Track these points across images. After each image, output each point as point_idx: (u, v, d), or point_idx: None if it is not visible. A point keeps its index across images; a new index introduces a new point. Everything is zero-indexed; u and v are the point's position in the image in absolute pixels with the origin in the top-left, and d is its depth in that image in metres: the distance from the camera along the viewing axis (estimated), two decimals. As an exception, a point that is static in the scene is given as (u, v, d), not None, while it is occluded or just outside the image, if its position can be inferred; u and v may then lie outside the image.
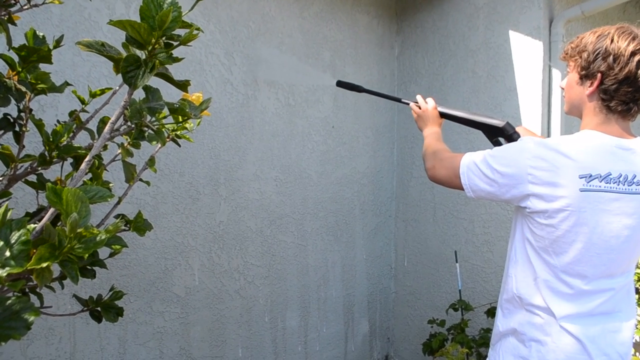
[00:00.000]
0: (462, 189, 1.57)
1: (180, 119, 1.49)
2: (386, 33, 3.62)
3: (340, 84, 2.27)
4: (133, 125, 1.00)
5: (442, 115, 1.98)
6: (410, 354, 3.68)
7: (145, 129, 1.01)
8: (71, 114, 1.44)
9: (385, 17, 3.58)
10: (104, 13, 2.30)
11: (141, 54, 0.86)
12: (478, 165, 1.51)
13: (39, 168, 1.16)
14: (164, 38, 0.85)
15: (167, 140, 1.50)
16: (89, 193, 0.88)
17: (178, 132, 1.50)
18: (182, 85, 1.01)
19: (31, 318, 0.79)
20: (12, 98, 1.36)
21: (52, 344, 2.13)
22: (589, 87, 1.43)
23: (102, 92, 1.38)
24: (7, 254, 0.75)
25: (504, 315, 1.58)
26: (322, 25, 3.17)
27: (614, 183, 1.36)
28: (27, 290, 1.46)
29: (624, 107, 1.40)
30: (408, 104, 2.07)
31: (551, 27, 3.01)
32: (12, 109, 1.46)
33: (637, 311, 1.78)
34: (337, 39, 3.27)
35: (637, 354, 2.62)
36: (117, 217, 1.45)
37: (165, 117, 1.06)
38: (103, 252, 1.54)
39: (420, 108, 2.00)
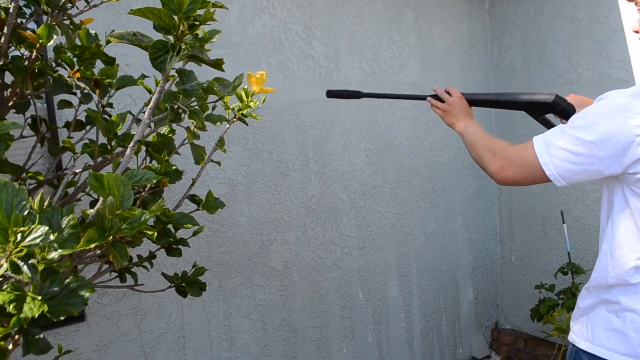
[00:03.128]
0: (546, 181, 1.32)
1: (245, 98, 1.52)
2: (474, -14, 3.43)
3: (331, 94, 1.90)
4: (168, 110, 1.04)
5: (472, 103, 1.67)
6: (521, 320, 3.54)
7: (181, 111, 1.05)
8: (144, 106, 1.53)
9: (471, -31, 3.39)
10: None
11: (170, 40, 0.89)
12: (562, 146, 1.27)
13: (107, 157, 1.25)
14: (190, 20, 0.87)
15: (234, 120, 1.54)
16: (134, 177, 0.93)
17: (244, 112, 1.53)
18: (216, 65, 1.03)
19: (87, 294, 0.85)
20: (92, 94, 1.48)
21: (162, 318, 2.31)
22: None
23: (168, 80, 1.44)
24: (58, 237, 0.82)
25: (590, 292, 1.42)
26: (403, -14, 3.06)
27: None
28: (122, 272, 1.59)
29: None
30: (425, 98, 1.74)
31: (660, -46, 2.67)
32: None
33: None
34: (420, -2, 3.15)
35: None
36: (190, 197, 1.53)
37: (201, 98, 1.09)
38: (186, 233, 1.63)
39: (442, 102, 1.68)
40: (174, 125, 1.42)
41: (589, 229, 3.07)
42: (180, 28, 0.86)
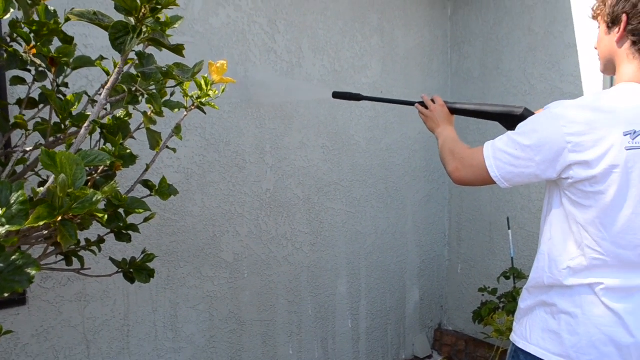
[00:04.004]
0: (493, 183, 1.42)
1: (204, 87, 1.52)
2: (437, -7, 3.50)
3: (337, 95, 2.14)
4: (125, 91, 1.03)
5: (453, 111, 1.84)
6: (463, 322, 3.64)
7: (138, 94, 1.04)
8: (101, 87, 1.50)
9: (436, -24, 3.46)
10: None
11: (132, 21, 0.88)
12: (505, 150, 1.37)
13: (60, 136, 1.22)
14: (153, 3, 0.87)
15: (192, 108, 1.53)
16: (88, 157, 0.92)
17: (203, 100, 1.53)
18: (176, 50, 1.03)
19: (33, 272, 0.84)
20: (48, 72, 1.44)
21: (107, 305, 2.26)
22: (617, 33, 1.34)
23: (127, 63, 1.42)
24: (6, 212, 0.80)
25: (530, 293, 1.49)
26: (368, -13, 3.10)
27: None
28: (69, 255, 1.56)
29: None
30: (414, 104, 1.93)
31: (613, -23, 2.80)
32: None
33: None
34: (385, 0, 3.19)
35: None
36: (143, 183, 1.51)
37: (159, 82, 1.08)
38: (137, 219, 1.61)
39: (427, 108, 1.87)
40: (130, 109, 1.40)
41: (532, 236, 3.18)
42: (142, 10, 0.85)
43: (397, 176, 3.40)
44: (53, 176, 0.92)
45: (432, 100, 1.87)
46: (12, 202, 0.82)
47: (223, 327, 2.64)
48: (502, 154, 1.38)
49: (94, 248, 1.56)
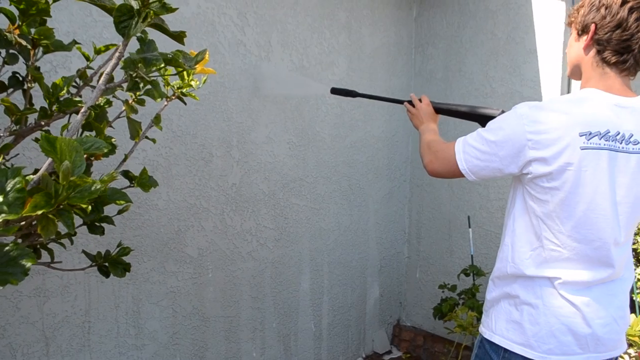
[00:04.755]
0: (462, 176, 1.53)
1: (186, 77, 1.48)
2: (404, -7, 3.54)
3: (334, 91, 2.25)
4: (127, 78, 0.99)
5: (437, 110, 1.95)
6: (421, 318, 3.71)
7: (139, 80, 1.00)
8: (78, 72, 1.44)
9: (402, -23, 3.50)
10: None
11: (135, 5, 0.84)
12: (473, 144, 1.48)
13: (43, 122, 1.16)
14: (159, -14, 0.84)
15: (173, 98, 1.49)
16: (85, 144, 0.88)
17: (184, 90, 1.49)
18: (178, 37, 1.00)
19: (28, 264, 0.80)
20: (19, 56, 1.37)
21: (67, 301, 2.18)
22: (585, 41, 1.44)
23: (107, 48, 1.37)
24: (2, 200, 0.75)
25: (495, 284, 1.57)
26: (337, -15, 3.10)
27: (612, 141, 1.35)
28: (38, 246, 1.49)
29: (619, 58, 1.39)
30: (403, 102, 2.05)
31: (574, -13, 2.91)
32: (21, 68, 1.46)
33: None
34: (353, -1, 3.21)
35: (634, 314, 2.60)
36: (123, 173, 1.46)
37: (160, 69, 1.05)
38: (112, 210, 1.56)
39: (414, 107, 1.98)
40: (110, 97, 1.35)
41: (490, 235, 3.27)
42: (149, -7, 0.82)
43: (361, 173, 3.42)
44: (46, 163, 0.87)
45: (420, 100, 1.98)
46: (9, 189, 0.78)
47: (186, 324, 2.59)
48: (471, 148, 1.48)
49: (65, 241, 1.50)
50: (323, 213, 3.22)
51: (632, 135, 1.37)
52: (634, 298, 2.66)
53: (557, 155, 1.33)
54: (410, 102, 2.01)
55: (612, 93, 1.40)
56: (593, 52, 1.43)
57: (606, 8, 1.38)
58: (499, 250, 1.57)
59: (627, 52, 1.38)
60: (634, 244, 2.80)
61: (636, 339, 2.32)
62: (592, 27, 1.41)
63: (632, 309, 2.58)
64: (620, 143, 1.35)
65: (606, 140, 1.34)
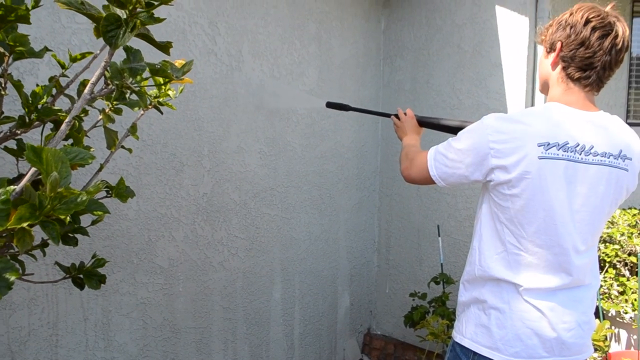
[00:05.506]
0: (433, 182, 1.60)
1: (163, 86, 1.47)
2: (373, 6, 3.60)
3: (329, 105, 2.32)
4: (114, 87, 0.99)
5: (421, 123, 2.05)
6: (392, 327, 3.74)
7: (126, 91, 1.00)
8: (51, 79, 1.41)
9: (371, -11, 3.55)
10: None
11: (122, 14, 0.84)
12: (442, 152, 1.57)
13: (19, 131, 1.14)
14: (147, -3, 0.84)
15: (149, 107, 1.48)
16: (69, 154, 0.87)
17: (160, 99, 1.48)
18: (164, 47, 1.00)
19: (12, 278, 0.78)
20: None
21: (34, 314, 2.12)
22: (552, 57, 1.52)
23: (83, 56, 1.35)
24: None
25: (465, 288, 1.63)
26: (308, -4, 3.13)
27: (571, 152, 1.42)
28: (8, 257, 1.45)
29: (582, 74, 1.47)
30: (390, 116, 2.15)
31: (537, 3, 3.01)
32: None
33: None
34: (323, 10, 3.24)
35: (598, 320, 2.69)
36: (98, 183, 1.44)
37: (146, 80, 1.04)
38: (85, 221, 1.53)
39: (400, 120, 2.08)
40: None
41: (458, 244, 3.33)
42: (136, 4, 0.82)
43: (331, 183, 3.44)
44: (29, 173, 0.86)
45: (405, 113, 2.08)
46: (-8, 200, 0.76)
47: (157, 335, 2.55)
48: (441, 156, 1.57)
49: (36, 252, 1.46)
50: (294, 222, 3.22)
51: (593, 147, 1.44)
52: (597, 304, 2.75)
53: (517, 164, 1.40)
54: (397, 116, 2.11)
55: (575, 107, 1.48)
56: (559, 68, 1.52)
57: (571, 27, 1.46)
58: (469, 254, 1.64)
59: (590, 68, 1.46)
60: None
61: (600, 343, 2.40)
62: (559, 44, 1.49)
63: (597, 315, 2.66)
64: (580, 154, 1.42)
65: (564, 151, 1.41)
